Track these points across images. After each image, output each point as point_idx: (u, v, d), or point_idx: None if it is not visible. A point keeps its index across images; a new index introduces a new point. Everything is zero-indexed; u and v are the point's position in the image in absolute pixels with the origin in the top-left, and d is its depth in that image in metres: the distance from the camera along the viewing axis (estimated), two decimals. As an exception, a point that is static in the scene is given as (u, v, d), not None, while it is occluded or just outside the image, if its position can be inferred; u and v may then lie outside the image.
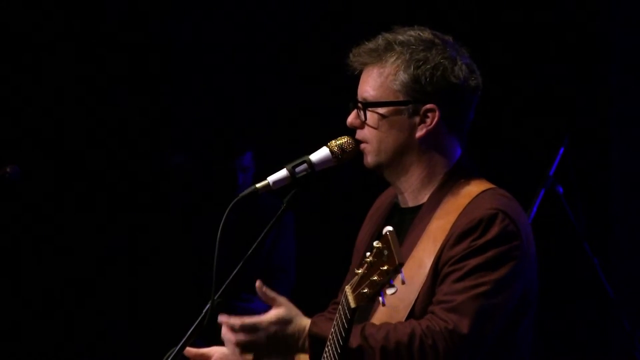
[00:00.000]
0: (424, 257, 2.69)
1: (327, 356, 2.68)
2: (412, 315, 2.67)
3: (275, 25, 6.79)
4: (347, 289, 2.57)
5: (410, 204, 2.80)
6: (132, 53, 6.69)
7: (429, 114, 2.75)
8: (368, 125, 2.76)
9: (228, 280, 2.68)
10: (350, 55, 2.81)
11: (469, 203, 2.70)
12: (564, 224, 4.92)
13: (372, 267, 2.50)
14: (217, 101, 6.89)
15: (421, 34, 2.78)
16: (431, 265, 2.67)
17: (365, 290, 2.50)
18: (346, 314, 2.59)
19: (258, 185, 2.72)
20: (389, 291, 2.48)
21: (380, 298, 2.49)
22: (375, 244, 2.49)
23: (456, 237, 2.66)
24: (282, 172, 2.71)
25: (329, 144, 2.74)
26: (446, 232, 2.68)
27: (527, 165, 5.70)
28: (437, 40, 2.78)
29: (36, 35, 6.56)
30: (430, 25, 2.84)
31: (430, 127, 2.75)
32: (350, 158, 2.74)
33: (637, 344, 5.00)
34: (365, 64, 2.79)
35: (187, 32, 6.87)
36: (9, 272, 6.60)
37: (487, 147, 5.63)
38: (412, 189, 2.79)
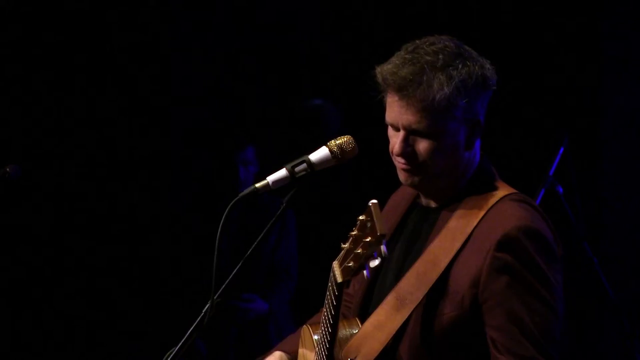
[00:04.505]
0: (440, 255, 2.68)
1: (321, 336, 2.72)
2: (418, 310, 2.66)
3: (277, 24, 6.81)
4: (334, 264, 2.60)
5: (433, 204, 2.80)
6: (130, 49, 6.71)
7: (477, 127, 2.74)
8: (419, 153, 2.70)
9: (228, 280, 2.68)
10: (381, 81, 2.71)
11: (492, 207, 2.69)
12: (564, 224, 4.92)
13: (357, 241, 2.51)
14: (218, 97, 6.90)
15: (446, 45, 2.70)
16: (446, 266, 2.66)
17: (350, 264, 2.53)
18: (334, 290, 2.61)
19: (258, 185, 2.72)
20: (372, 263, 2.48)
21: (365, 271, 2.51)
22: (359, 217, 2.50)
23: (490, 266, 2.62)
24: (282, 172, 2.72)
25: (328, 143, 2.73)
26: (465, 235, 2.67)
27: (527, 165, 5.71)
28: (462, 50, 2.72)
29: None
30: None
31: (477, 138, 2.75)
32: (350, 158, 2.74)
33: (637, 344, 5.01)
34: (402, 91, 2.68)
35: (187, 29, 6.88)
36: (9, 271, 6.61)
37: (487, 147, 5.63)
38: (438, 193, 2.78)
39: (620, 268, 5.89)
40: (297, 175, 2.71)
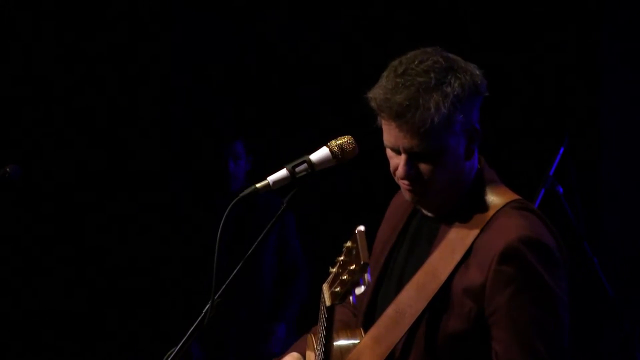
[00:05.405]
0: (439, 267, 2.66)
1: (317, 355, 2.73)
2: (418, 323, 2.65)
3: (274, 25, 6.81)
4: (324, 286, 2.60)
5: (432, 213, 2.78)
6: (129, 49, 6.72)
7: (475, 136, 2.71)
8: (423, 173, 2.68)
9: (228, 280, 2.68)
10: (376, 108, 2.66)
11: (492, 218, 2.67)
12: (564, 224, 4.92)
13: (343, 266, 2.51)
14: (212, 93, 6.92)
15: (436, 61, 2.65)
16: (446, 279, 2.64)
17: (337, 289, 2.53)
18: (324, 312, 2.62)
19: (258, 185, 2.71)
20: (358, 290, 2.48)
21: (351, 297, 2.51)
22: (345, 243, 2.49)
23: (494, 280, 2.60)
24: (282, 172, 2.71)
25: (329, 143, 2.73)
26: (465, 247, 2.64)
27: (527, 165, 5.71)
28: (451, 62, 2.67)
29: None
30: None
31: (475, 145, 2.72)
32: (350, 158, 2.73)
33: (637, 344, 5.01)
34: (400, 118, 2.63)
35: (181, 25, 6.89)
36: (9, 271, 6.60)
37: (486, 148, 5.63)
38: (440, 206, 2.76)
39: (620, 268, 5.89)
40: (297, 176, 2.70)
